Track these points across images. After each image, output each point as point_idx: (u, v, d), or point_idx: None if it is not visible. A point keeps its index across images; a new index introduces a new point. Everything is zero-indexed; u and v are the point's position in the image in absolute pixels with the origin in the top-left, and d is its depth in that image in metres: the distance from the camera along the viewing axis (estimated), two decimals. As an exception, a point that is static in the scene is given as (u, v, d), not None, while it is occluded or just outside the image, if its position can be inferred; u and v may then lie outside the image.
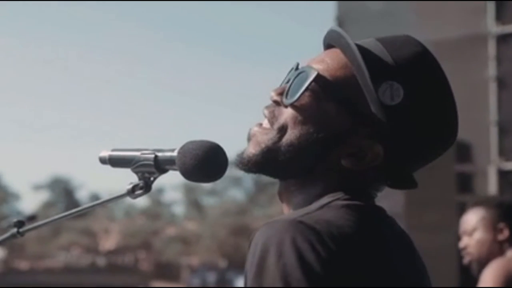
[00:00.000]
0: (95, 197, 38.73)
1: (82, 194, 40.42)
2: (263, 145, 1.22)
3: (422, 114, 1.20)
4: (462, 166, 6.61)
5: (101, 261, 38.64)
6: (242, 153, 1.25)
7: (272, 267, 1.05)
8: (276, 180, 1.28)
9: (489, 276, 3.05)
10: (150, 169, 1.35)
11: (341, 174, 1.21)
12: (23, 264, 36.37)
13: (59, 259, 38.41)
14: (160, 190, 40.34)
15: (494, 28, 6.51)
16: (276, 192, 1.29)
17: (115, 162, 1.42)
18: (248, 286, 1.08)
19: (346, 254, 1.09)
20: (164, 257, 36.57)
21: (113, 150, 1.43)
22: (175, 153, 1.32)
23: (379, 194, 1.26)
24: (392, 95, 1.17)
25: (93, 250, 38.50)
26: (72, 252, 39.26)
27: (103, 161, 1.44)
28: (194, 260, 36.31)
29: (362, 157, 1.19)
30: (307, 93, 1.19)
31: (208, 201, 40.00)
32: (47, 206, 38.86)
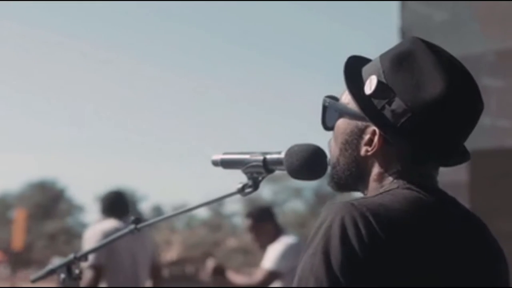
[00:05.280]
0: (157, 209, 39.26)
1: (145, 206, 40.97)
2: (331, 163, 1.52)
3: (404, 96, 1.40)
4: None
5: (163, 272, 39.08)
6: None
7: (320, 235, 1.33)
8: (331, 192, 1.51)
9: None
10: (259, 169, 1.54)
11: (391, 169, 1.43)
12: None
13: (123, 270, 38.98)
14: (221, 202, 40.67)
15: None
16: None
17: (226, 164, 1.60)
18: (307, 246, 1.35)
19: (388, 235, 1.31)
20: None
21: (224, 153, 1.61)
22: (282, 155, 1.50)
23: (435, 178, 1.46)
24: (370, 85, 1.42)
25: (155, 261, 38.96)
26: (135, 263, 39.81)
27: (215, 163, 1.62)
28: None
29: (371, 143, 1.43)
30: (333, 118, 1.50)
31: (268, 213, 40.09)
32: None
